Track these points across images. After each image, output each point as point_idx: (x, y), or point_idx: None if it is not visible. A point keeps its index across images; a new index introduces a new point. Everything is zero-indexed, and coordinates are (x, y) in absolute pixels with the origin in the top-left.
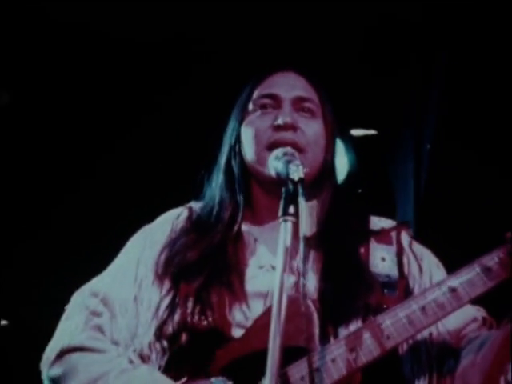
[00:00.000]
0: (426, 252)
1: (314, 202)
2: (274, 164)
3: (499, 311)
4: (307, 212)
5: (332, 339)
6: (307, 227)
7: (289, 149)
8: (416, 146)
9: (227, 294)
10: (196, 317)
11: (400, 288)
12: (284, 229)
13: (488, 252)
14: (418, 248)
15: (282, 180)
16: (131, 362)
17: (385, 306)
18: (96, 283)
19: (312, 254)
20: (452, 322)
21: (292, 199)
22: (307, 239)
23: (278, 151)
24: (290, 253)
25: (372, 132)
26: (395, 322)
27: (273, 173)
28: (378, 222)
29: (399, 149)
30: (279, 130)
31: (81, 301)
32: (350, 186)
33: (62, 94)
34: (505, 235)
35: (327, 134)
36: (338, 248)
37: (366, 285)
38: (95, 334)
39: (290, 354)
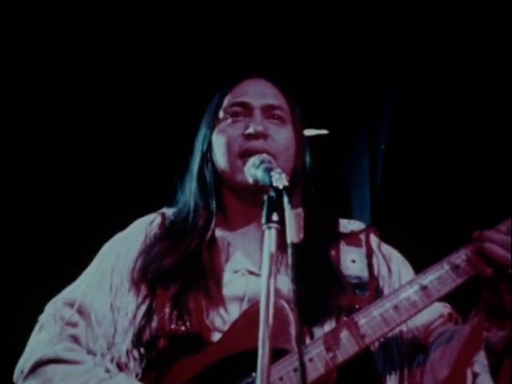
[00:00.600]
0: (394, 252)
1: (300, 210)
2: (252, 172)
3: (464, 307)
4: (293, 219)
5: (308, 339)
6: (294, 234)
7: (265, 156)
8: (371, 146)
9: (204, 298)
10: (174, 322)
11: (371, 288)
12: (268, 236)
13: (455, 250)
14: (386, 249)
15: (259, 187)
16: (108, 371)
17: (357, 306)
18: (69, 292)
19: (284, 257)
20: (420, 319)
21: (275, 206)
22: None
23: (255, 159)
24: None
25: (324, 131)
26: (370, 321)
27: (250, 180)
28: (347, 225)
29: (354, 148)
30: (250, 138)
31: (54, 311)
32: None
33: (64, 95)
34: (472, 234)
35: (297, 140)
36: (309, 250)
37: (338, 286)
38: (71, 344)
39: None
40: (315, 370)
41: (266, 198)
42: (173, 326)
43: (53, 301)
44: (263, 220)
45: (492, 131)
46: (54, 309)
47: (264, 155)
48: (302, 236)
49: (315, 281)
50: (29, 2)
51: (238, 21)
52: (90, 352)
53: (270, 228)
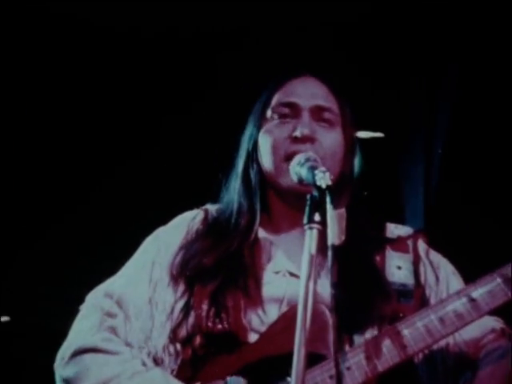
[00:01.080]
0: (443, 260)
1: (343, 210)
2: (297, 170)
3: None
4: (335, 220)
5: (347, 347)
6: (336, 235)
7: (311, 153)
8: (426, 150)
9: (243, 297)
10: (211, 320)
11: (416, 297)
12: (309, 236)
13: (508, 262)
14: (435, 256)
15: (303, 190)
16: (144, 364)
17: (401, 315)
18: (110, 284)
19: (325, 260)
20: (469, 332)
21: (317, 206)
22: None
23: (300, 157)
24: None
25: (379, 134)
26: (413, 331)
27: (295, 178)
28: (394, 230)
29: (409, 152)
30: (297, 141)
31: (95, 301)
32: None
33: (69, 97)
34: None
35: (346, 144)
36: (353, 255)
37: (382, 293)
38: (109, 335)
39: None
40: (353, 379)
41: (308, 197)
42: (209, 324)
43: (94, 291)
44: (305, 220)
45: None
46: (95, 299)
47: (310, 153)
48: (343, 238)
49: (357, 286)
50: (34, 3)
51: (285, 18)
52: (128, 344)
53: (311, 228)
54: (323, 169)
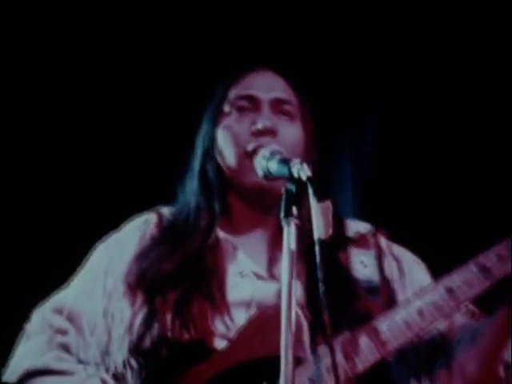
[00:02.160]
0: (404, 252)
1: (328, 203)
2: (263, 164)
3: (485, 302)
4: (320, 213)
5: (324, 348)
6: (322, 229)
7: (275, 146)
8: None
9: (208, 304)
10: (177, 330)
11: (383, 293)
12: (287, 232)
13: (485, 251)
14: (396, 249)
15: (269, 182)
16: (104, 382)
17: (370, 313)
18: (59, 297)
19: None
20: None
21: (294, 200)
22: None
23: (264, 151)
24: (273, 260)
25: None
26: (392, 326)
27: (260, 174)
28: (353, 226)
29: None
30: (258, 134)
31: (42, 318)
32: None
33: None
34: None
35: (307, 137)
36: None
37: (352, 291)
38: (61, 353)
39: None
40: (332, 379)
41: (283, 190)
42: (176, 334)
43: (40, 307)
44: (282, 214)
45: (483, 129)
46: (42, 316)
47: (274, 146)
48: (331, 231)
49: (329, 286)
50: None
51: (241, 12)
52: (82, 362)
53: (289, 223)
54: (298, 160)
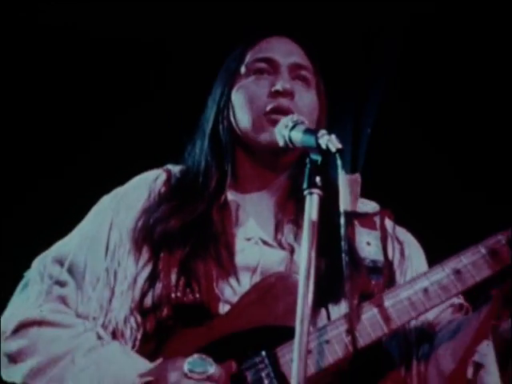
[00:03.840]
0: (408, 236)
1: (357, 176)
2: (285, 133)
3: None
4: (348, 185)
5: (325, 320)
6: (349, 202)
7: (297, 116)
8: (355, 129)
9: (214, 266)
10: (180, 290)
11: (385, 274)
12: (310, 202)
13: (493, 234)
14: (401, 233)
15: (282, 149)
16: (100, 337)
17: (372, 292)
18: (61, 248)
19: (300, 232)
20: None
21: (318, 170)
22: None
23: (287, 120)
24: (280, 227)
25: None
26: (396, 304)
27: (281, 142)
28: (361, 206)
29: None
30: (277, 96)
31: (42, 268)
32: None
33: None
34: None
35: (321, 106)
36: (328, 227)
37: (356, 265)
38: (58, 305)
39: (279, 335)
40: (332, 353)
41: (307, 160)
42: (179, 294)
43: (42, 256)
44: (304, 184)
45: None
46: (43, 265)
47: (296, 116)
48: (356, 206)
49: (333, 258)
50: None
51: None
52: (80, 316)
53: (311, 194)
54: (324, 131)
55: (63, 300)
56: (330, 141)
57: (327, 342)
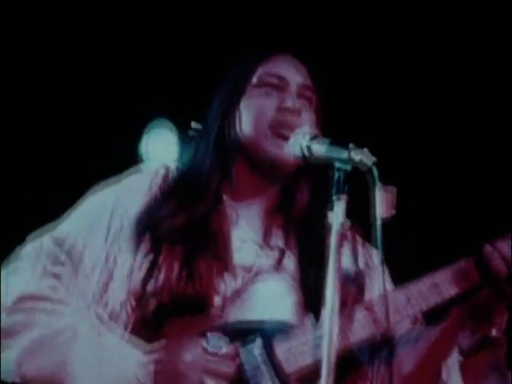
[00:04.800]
0: (375, 252)
1: (393, 188)
2: (304, 144)
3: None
4: (385, 196)
5: (313, 321)
6: (384, 210)
7: (309, 129)
8: None
9: (215, 262)
10: (183, 282)
11: (356, 285)
12: (337, 207)
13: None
14: (369, 248)
15: (286, 162)
16: (100, 317)
17: (346, 300)
18: (60, 229)
19: (290, 237)
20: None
21: (347, 180)
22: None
23: (304, 131)
24: (268, 232)
25: None
26: (383, 308)
27: (298, 152)
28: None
29: None
30: (285, 112)
31: (40, 245)
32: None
33: None
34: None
35: (318, 125)
36: (315, 234)
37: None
38: (55, 282)
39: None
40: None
41: (336, 168)
42: (181, 286)
43: (40, 233)
44: (334, 191)
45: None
46: (40, 243)
47: (309, 129)
48: (393, 212)
49: (319, 262)
50: None
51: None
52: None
53: (339, 199)
54: (352, 144)
55: (58, 278)
56: (362, 154)
57: (321, 337)
